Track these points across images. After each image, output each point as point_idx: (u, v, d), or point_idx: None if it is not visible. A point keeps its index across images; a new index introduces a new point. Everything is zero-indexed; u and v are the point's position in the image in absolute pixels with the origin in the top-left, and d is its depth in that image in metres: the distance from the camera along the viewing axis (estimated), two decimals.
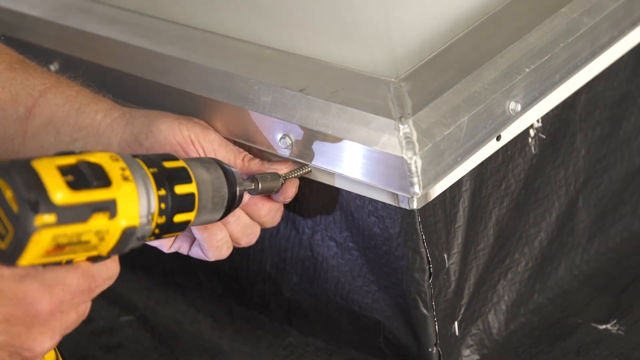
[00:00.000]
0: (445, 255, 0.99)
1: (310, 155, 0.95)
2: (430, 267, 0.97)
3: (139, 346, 1.13)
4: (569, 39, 1.02)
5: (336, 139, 0.93)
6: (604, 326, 1.06)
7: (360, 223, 0.99)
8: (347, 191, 0.98)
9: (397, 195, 0.94)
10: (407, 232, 0.96)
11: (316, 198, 1.02)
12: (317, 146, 0.95)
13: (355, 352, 1.07)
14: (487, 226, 1.03)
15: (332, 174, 0.96)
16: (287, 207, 1.03)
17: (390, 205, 0.95)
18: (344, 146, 0.93)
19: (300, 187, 0.99)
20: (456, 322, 1.02)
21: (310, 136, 0.95)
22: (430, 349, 1.00)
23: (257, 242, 1.00)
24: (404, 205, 0.94)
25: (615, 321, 1.06)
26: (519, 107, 0.97)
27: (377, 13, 1.08)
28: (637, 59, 1.13)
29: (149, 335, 1.14)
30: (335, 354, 1.08)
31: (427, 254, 0.97)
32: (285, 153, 0.97)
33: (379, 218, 0.97)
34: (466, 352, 1.03)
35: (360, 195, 0.97)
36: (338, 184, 0.98)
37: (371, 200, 0.97)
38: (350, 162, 0.93)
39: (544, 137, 1.05)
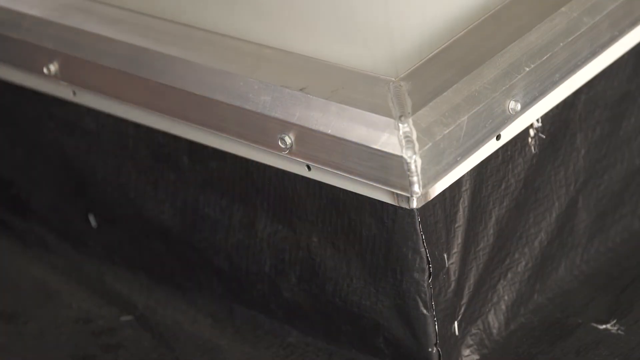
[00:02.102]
0: (445, 255, 0.99)
1: (310, 155, 0.95)
2: (430, 267, 0.97)
3: (139, 346, 1.13)
4: (569, 38, 1.02)
5: (336, 138, 0.93)
6: (604, 326, 1.06)
7: (358, 224, 0.99)
8: (344, 192, 0.98)
9: (396, 194, 0.94)
10: (407, 232, 0.96)
11: (313, 199, 1.02)
12: (316, 145, 0.95)
13: (355, 352, 1.07)
14: (487, 226, 1.03)
15: (331, 174, 0.96)
16: (284, 208, 1.03)
17: (390, 205, 0.95)
18: (344, 145, 0.93)
19: (297, 189, 0.99)
20: (456, 322, 1.02)
21: (310, 135, 0.95)
22: (430, 349, 1.00)
23: (255, 242, 1.00)
24: (403, 205, 0.94)
25: (615, 321, 1.06)
26: (518, 107, 0.97)
27: (377, 12, 1.09)
28: (638, 58, 1.13)
29: (149, 335, 1.14)
30: (335, 354, 1.08)
31: (426, 254, 0.97)
32: (285, 153, 0.97)
33: (378, 219, 0.97)
34: (466, 352, 1.03)
35: (358, 196, 0.97)
36: (337, 183, 0.98)
37: (370, 201, 0.97)
38: (350, 161, 0.93)
39: (544, 136, 1.05)
